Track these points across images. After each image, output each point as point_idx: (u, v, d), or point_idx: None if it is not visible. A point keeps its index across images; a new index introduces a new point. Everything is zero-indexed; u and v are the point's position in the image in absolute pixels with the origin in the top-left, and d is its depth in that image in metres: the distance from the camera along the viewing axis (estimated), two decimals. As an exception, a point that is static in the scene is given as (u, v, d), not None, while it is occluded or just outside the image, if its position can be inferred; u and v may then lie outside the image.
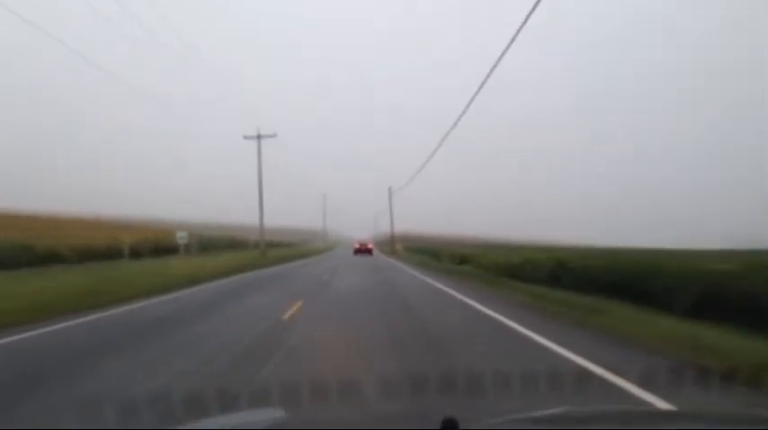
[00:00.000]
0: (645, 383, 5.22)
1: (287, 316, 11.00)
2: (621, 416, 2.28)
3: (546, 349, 7.39)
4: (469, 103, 20.59)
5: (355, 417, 2.47)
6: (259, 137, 47.56)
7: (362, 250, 55.79)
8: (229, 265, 30.77)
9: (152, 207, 79.84)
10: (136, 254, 34.98)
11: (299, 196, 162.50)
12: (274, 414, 2.67)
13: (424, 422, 1.85)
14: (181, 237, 39.76)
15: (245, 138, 47.58)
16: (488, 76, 17.08)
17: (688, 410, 3.94)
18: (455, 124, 24.63)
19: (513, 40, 14.10)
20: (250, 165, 46.65)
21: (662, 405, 4.71)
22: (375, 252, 63.51)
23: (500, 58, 15.47)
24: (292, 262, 42.78)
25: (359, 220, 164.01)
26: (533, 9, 12.54)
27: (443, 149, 31.19)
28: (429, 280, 20.94)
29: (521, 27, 13.36)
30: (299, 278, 23.64)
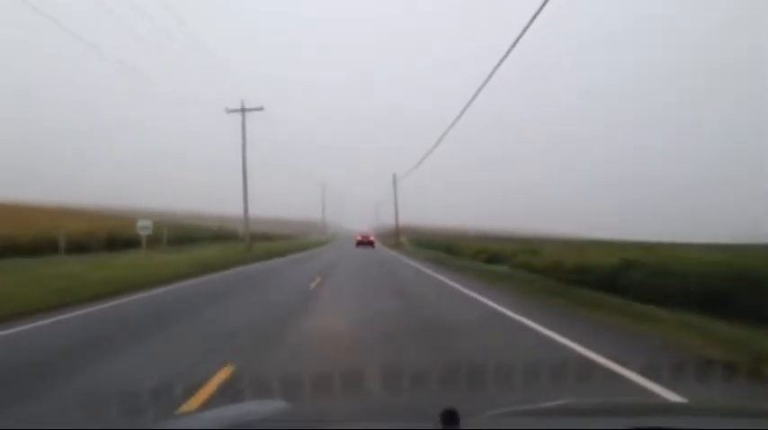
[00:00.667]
0: None
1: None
2: (624, 409, 2.19)
3: None
4: (475, 95, 19.06)
5: (357, 409, 2.48)
6: (243, 110, 39.81)
7: (364, 242, 54.13)
8: (197, 264, 23.12)
9: (133, 196, 71.97)
10: (81, 247, 27.21)
11: (298, 188, 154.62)
12: (276, 405, 2.54)
13: (423, 415, 1.74)
14: (142, 227, 31.88)
15: (229, 111, 39.88)
16: (496, 68, 15.77)
17: (695, 403, 3.60)
18: (461, 115, 22.61)
19: (517, 39, 13.51)
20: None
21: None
22: (378, 245, 58.24)
23: (507, 53, 14.53)
24: (282, 257, 35.24)
25: (360, 213, 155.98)
26: (539, 10, 11.92)
27: (447, 141, 29.65)
28: (477, 296, 13.06)
29: (525, 28, 12.84)
30: (276, 284, 15.95)
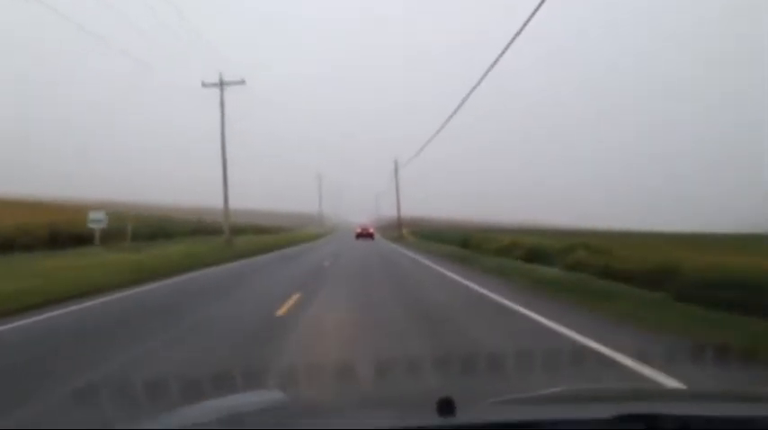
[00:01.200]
0: None
1: None
2: (621, 395, 2.14)
3: None
4: (478, 84, 17.56)
5: (354, 398, 2.41)
6: (222, 84, 33.49)
7: (364, 234, 53.13)
8: (146, 267, 17.04)
9: (109, 189, 65.54)
10: (9, 245, 20.96)
11: (297, 180, 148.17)
12: (273, 395, 2.48)
13: (422, 404, 1.76)
14: (94, 221, 25.70)
15: (204, 86, 33.54)
16: (502, 54, 14.79)
17: (693, 390, 3.52)
18: (464, 100, 20.72)
19: (522, 27, 12.99)
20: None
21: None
22: (379, 238, 53.44)
23: (513, 39, 13.77)
24: (268, 254, 29.30)
25: (360, 205, 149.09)
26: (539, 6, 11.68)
27: (448, 132, 28.49)
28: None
29: (530, 16, 12.35)
30: (223, 308, 9.77)
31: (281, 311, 8.85)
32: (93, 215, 25.68)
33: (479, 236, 29.14)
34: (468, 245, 27.98)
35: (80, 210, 34.24)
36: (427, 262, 20.67)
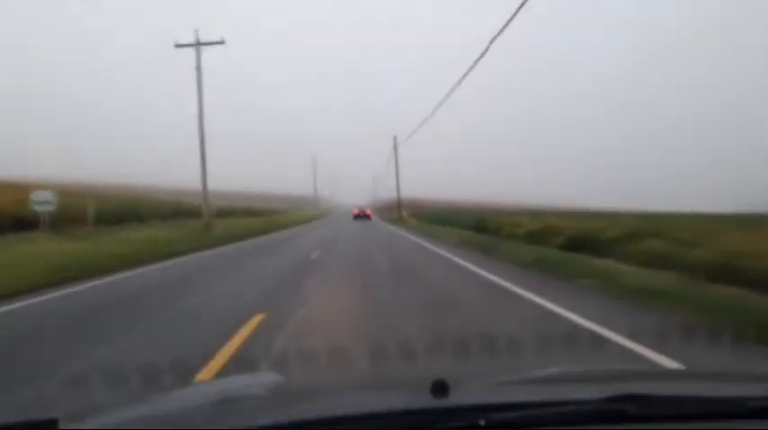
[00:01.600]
0: None
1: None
2: (619, 376, 2.07)
3: None
4: (476, 62, 16.64)
5: (350, 382, 2.36)
6: (198, 44, 28.76)
7: (361, 216, 54.90)
8: (62, 265, 12.65)
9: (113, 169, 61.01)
10: None
11: (292, 162, 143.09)
12: (272, 378, 2.40)
13: (415, 386, 1.67)
14: (40, 202, 21.17)
15: (178, 46, 28.80)
16: (513, 16, 13.03)
17: (688, 370, 3.38)
18: (467, 73, 18.63)
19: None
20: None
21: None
22: (378, 221, 49.77)
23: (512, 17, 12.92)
24: (249, 240, 25.35)
25: (358, 188, 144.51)
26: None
27: (447, 113, 25.69)
28: None
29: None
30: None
31: (208, 368, 4.47)
32: (37, 196, 21.14)
33: (497, 218, 24.71)
34: (483, 229, 23.61)
35: (31, 190, 29.80)
36: (443, 252, 16.27)
